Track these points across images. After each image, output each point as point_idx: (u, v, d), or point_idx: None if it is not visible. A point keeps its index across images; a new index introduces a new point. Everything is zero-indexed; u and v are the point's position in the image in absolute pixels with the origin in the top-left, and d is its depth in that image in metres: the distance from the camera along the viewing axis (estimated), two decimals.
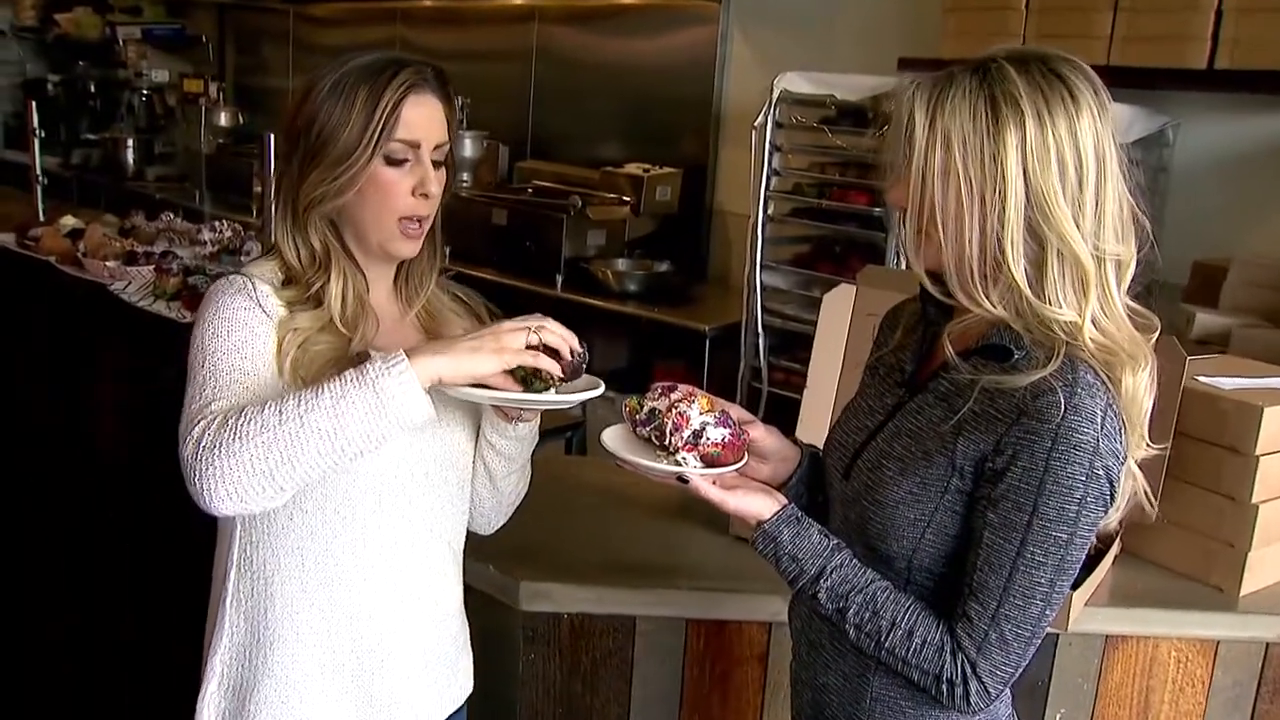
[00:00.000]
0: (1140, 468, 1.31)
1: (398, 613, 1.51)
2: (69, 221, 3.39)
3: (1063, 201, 1.21)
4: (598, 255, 4.27)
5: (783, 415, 2.79)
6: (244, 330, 1.38)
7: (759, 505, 1.35)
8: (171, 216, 3.72)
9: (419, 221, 1.47)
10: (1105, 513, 1.25)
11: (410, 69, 1.42)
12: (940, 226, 1.25)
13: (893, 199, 1.32)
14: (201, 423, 1.28)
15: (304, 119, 1.43)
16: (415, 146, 1.44)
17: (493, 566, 1.87)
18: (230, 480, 1.24)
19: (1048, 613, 1.25)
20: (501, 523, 1.67)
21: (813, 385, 2.34)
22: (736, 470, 1.37)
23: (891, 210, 2.95)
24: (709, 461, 1.34)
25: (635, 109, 4.68)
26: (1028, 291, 1.24)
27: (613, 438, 1.40)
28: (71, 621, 3.41)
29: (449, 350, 1.30)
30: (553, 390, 1.36)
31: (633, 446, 1.39)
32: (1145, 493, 1.32)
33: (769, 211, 3.49)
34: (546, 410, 1.50)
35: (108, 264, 3.09)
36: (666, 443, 1.34)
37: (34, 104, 4.01)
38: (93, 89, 7.15)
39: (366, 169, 1.41)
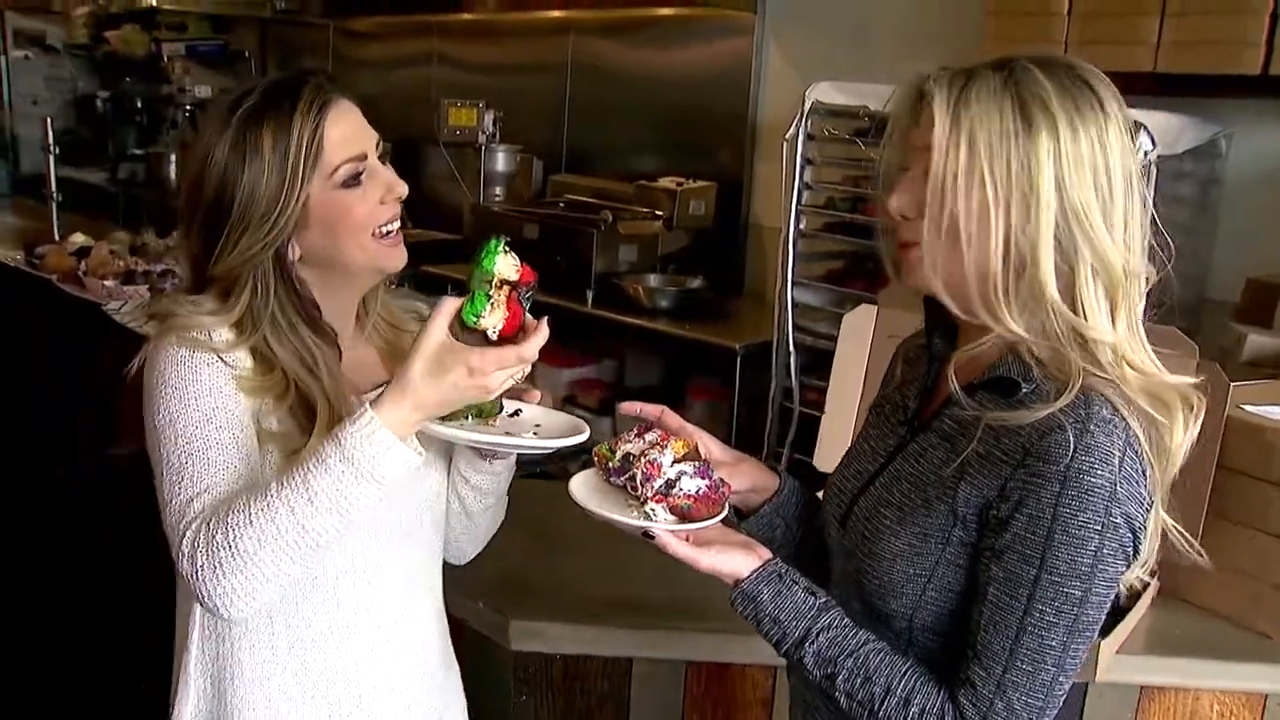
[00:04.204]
0: (1177, 506, 1.18)
1: (377, 670, 1.41)
2: (78, 239, 3.39)
3: (1097, 214, 1.10)
4: (629, 271, 4.17)
5: (814, 436, 2.68)
6: (211, 395, 1.29)
7: (735, 563, 1.21)
8: None
9: (394, 226, 1.39)
10: (1126, 566, 1.13)
11: (308, 86, 1.32)
12: (961, 234, 1.13)
13: (897, 206, 1.17)
14: (188, 533, 1.22)
15: (211, 188, 1.32)
16: (362, 159, 1.35)
17: (482, 603, 1.79)
18: (244, 595, 1.20)
19: (1061, 679, 1.13)
20: (476, 552, 1.58)
21: (831, 410, 2.23)
22: (711, 525, 1.24)
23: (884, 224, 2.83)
24: (680, 515, 1.21)
25: (670, 122, 4.59)
26: (1057, 298, 1.11)
27: (581, 485, 1.29)
28: (66, 638, 3.41)
29: (430, 406, 1.22)
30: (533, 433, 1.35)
31: (604, 493, 1.28)
32: (1184, 539, 1.18)
33: (801, 226, 3.37)
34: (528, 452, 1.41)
35: (105, 283, 3.06)
36: (638, 493, 1.23)
37: (49, 121, 4.05)
38: (139, 104, 7.22)
39: (302, 209, 1.32)
